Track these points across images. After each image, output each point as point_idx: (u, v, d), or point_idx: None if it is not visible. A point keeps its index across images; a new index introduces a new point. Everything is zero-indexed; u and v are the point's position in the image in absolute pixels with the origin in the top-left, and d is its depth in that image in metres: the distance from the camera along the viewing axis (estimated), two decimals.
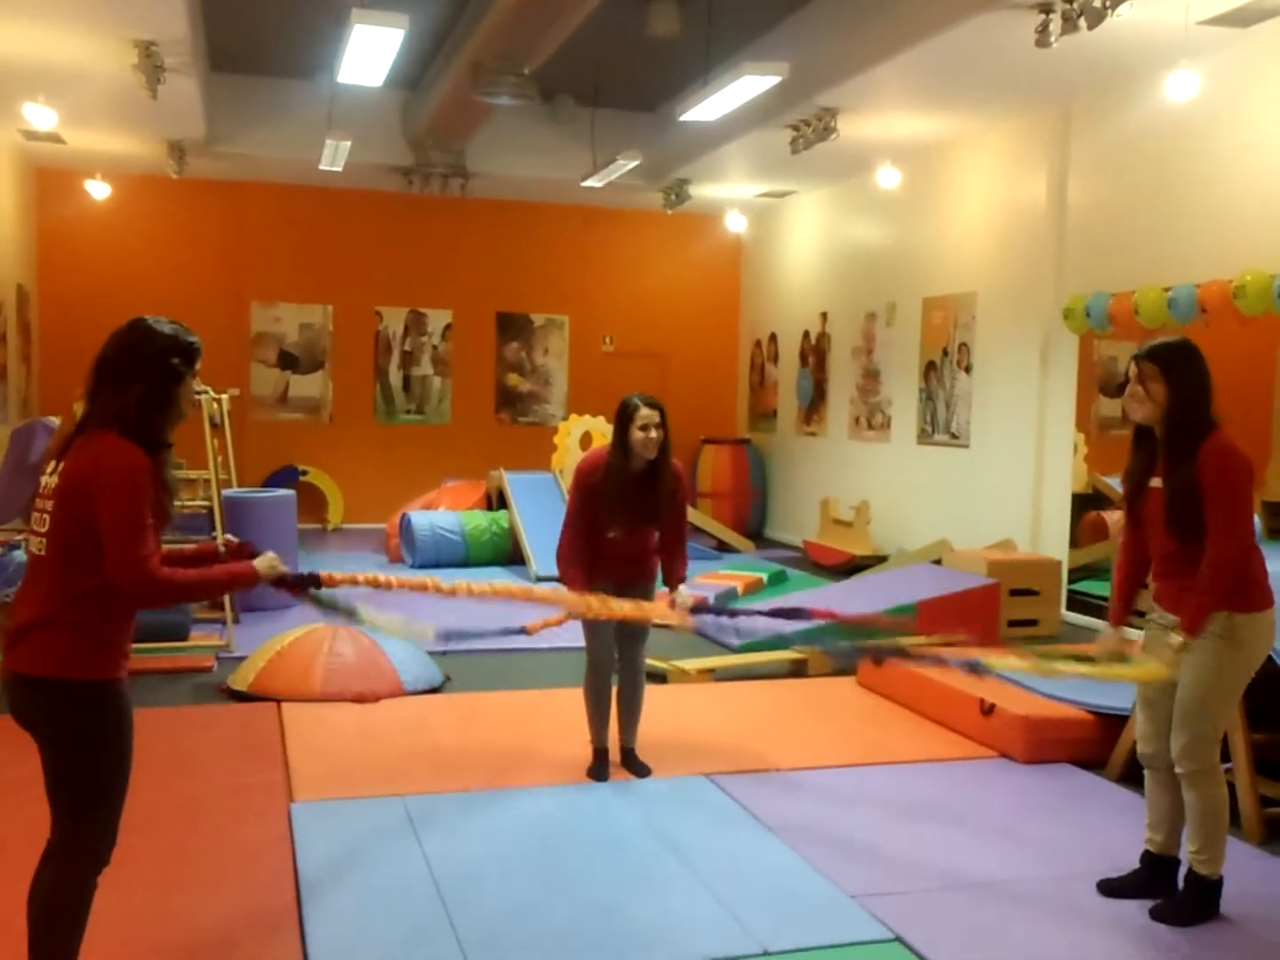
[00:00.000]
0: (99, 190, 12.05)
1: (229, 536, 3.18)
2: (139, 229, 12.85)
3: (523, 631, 4.96)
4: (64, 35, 7.65)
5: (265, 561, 3.02)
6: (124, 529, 2.69)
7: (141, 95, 8.33)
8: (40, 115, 9.07)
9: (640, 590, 4.92)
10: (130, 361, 2.81)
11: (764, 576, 9.80)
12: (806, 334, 13.12)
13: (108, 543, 2.69)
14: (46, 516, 2.78)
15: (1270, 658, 4.28)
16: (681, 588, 4.88)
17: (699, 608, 4.99)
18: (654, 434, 4.72)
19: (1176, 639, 3.60)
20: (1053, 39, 6.74)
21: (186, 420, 2.97)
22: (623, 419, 4.77)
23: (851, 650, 4.29)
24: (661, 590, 4.98)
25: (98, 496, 2.70)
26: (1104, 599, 8.58)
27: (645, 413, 4.72)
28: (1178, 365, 3.65)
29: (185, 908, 3.69)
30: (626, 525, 4.81)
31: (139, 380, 2.79)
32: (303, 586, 3.21)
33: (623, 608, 4.42)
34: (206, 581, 2.93)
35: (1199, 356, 3.70)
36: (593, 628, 4.92)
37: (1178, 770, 3.70)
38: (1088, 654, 3.95)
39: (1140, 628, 3.92)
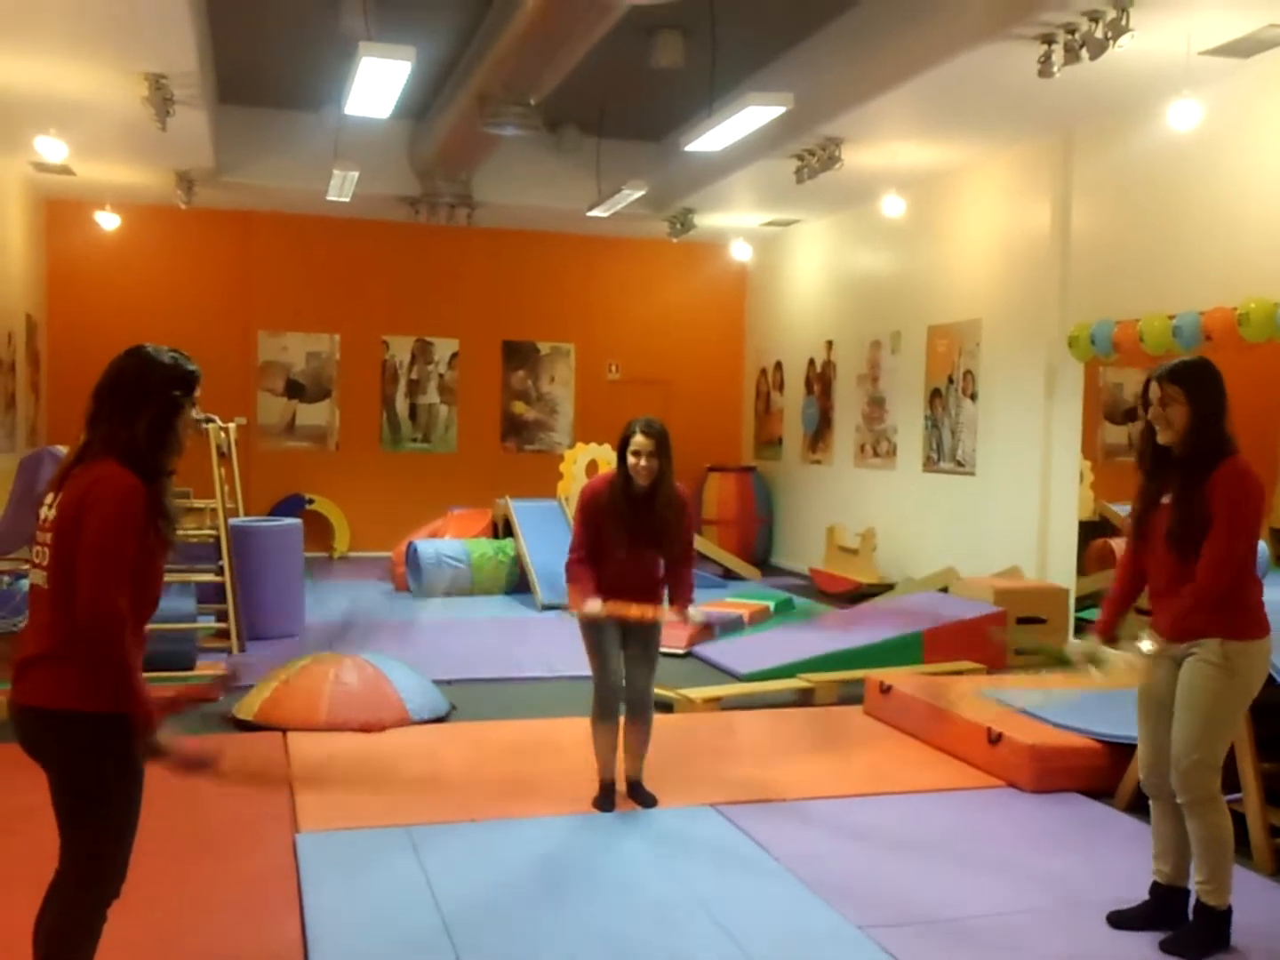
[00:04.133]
0: (108, 221, 12.13)
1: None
2: (148, 259, 12.93)
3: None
4: (74, 69, 7.72)
5: (167, 732, 2.73)
6: (101, 555, 2.64)
7: (151, 127, 8.40)
8: (51, 148, 9.14)
9: (645, 629, 4.92)
10: (133, 393, 2.78)
11: (770, 605, 9.79)
12: (812, 362, 13.15)
13: (81, 564, 2.64)
14: (46, 550, 2.76)
15: (1277, 685, 4.27)
16: (691, 608, 4.88)
17: (708, 625, 5.02)
18: (644, 462, 4.72)
19: (1147, 642, 3.58)
20: (1055, 69, 6.78)
21: (190, 448, 2.93)
22: (621, 442, 4.82)
23: None
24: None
25: (85, 520, 2.66)
26: None
27: (637, 440, 4.73)
28: (1199, 385, 3.63)
29: (190, 939, 3.68)
30: (630, 545, 4.81)
31: (143, 414, 2.77)
32: (190, 770, 2.76)
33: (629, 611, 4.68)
34: (132, 679, 2.67)
35: (1219, 375, 3.67)
36: (601, 660, 4.91)
37: (1179, 799, 3.67)
38: (1065, 659, 3.93)
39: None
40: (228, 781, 3.00)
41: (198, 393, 2.89)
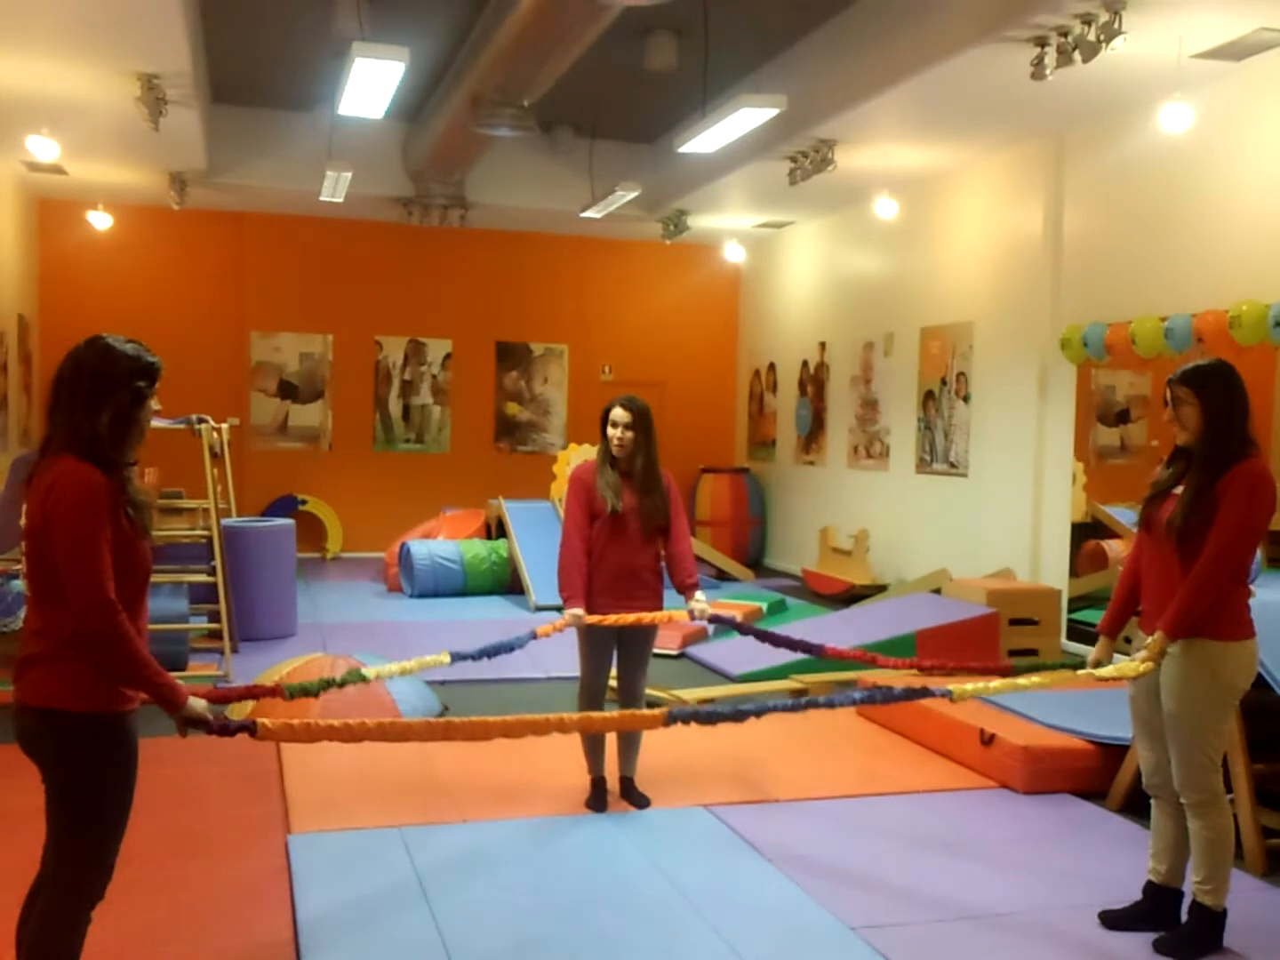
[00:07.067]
0: (101, 221, 12.12)
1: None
2: (140, 259, 12.91)
3: (533, 636, 4.92)
4: (67, 68, 7.71)
5: (199, 702, 2.82)
6: (79, 556, 2.63)
7: (143, 127, 8.39)
8: (43, 147, 9.13)
9: (642, 634, 4.93)
10: (95, 385, 2.74)
11: (763, 606, 9.78)
12: (805, 363, 13.16)
13: (63, 570, 2.64)
14: (25, 557, 2.78)
15: (1270, 686, 4.29)
16: (698, 594, 4.89)
17: (718, 619, 5.04)
18: (620, 433, 4.83)
19: (1153, 639, 3.60)
20: (1048, 72, 6.80)
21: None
22: (603, 417, 4.93)
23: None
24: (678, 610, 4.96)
25: (52, 525, 2.65)
26: None
27: (615, 412, 4.87)
28: (1209, 387, 3.64)
29: (181, 943, 3.67)
30: (623, 517, 4.81)
31: (107, 406, 2.73)
32: (230, 734, 2.92)
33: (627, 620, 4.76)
34: (147, 664, 2.70)
35: (1234, 377, 3.68)
36: (591, 653, 4.92)
37: (1183, 800, 3.68)
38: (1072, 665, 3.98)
39: (1126, 654, 3.92)
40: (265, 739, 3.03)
41: (158, 384, 2.85)
